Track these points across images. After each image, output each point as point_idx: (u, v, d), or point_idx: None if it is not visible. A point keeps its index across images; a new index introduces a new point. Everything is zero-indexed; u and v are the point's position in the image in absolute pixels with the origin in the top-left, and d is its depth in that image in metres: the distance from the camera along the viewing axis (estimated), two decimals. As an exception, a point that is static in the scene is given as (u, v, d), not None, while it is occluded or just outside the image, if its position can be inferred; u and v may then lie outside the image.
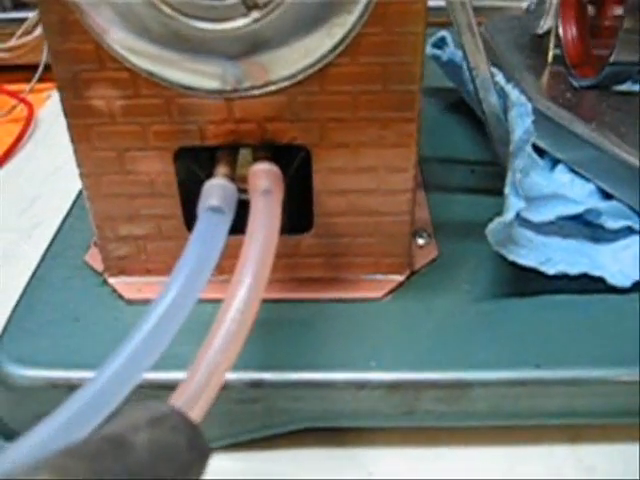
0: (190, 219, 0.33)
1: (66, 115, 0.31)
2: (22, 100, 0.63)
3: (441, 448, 0.32)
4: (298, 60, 0.29)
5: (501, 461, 0.32)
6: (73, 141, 0.32)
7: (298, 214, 0.33)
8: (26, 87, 0.66)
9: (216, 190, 0.28)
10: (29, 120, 0.60)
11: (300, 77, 0.29)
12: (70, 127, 0.31)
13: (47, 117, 0.63)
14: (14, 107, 0.65)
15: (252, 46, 0.28)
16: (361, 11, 0.27)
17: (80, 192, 0.43)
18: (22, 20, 0.68)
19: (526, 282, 0.35)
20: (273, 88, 0.29)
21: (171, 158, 0.32)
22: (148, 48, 0.28)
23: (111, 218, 0.34)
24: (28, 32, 0.68)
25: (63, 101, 0.31)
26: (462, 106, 0.50)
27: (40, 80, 0.67)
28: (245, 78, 0.29)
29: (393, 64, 0.29)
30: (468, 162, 0.45)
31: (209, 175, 0.31)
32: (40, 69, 0.66)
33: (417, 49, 0.29)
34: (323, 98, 0.30)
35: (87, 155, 0.32)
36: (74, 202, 0.43)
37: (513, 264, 0.34)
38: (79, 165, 0.32)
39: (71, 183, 0.46)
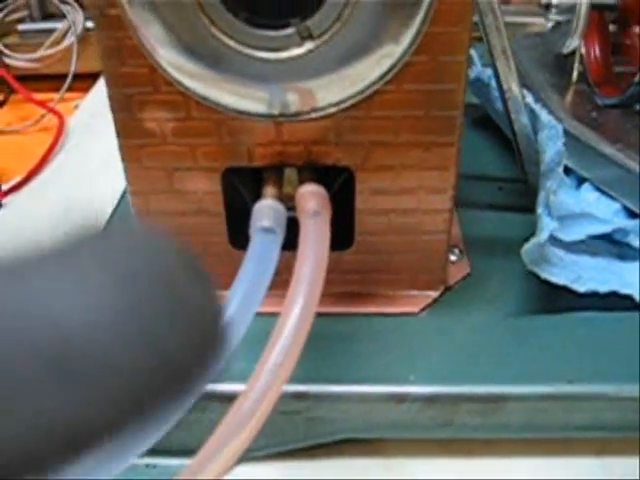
0: (234, 237, 0.34)
1: (118, 135, 0.32)
2: (51, 110, 0.65)
3: (476, 459, 0.33)
4: (346, 88, 0.30)
5: (532, 471, 0.33)
6: (124, 160, 0.33)
7: (339, 231, 0.34)
8: (55, 96, 0.68)
9: (267, 211, 0.29)
10: (60, 130, 0.62)
11: (347, 104, 0.30)
12: (121, 147, 0.32)
13: (76, 127, 0.64)
14: (43, 116, 0.66)
15: (302, 74, 0.29)
16: (409, 41, 0.28)
17: (117, 206, 0.45)
18: (51, 30, 0.70)
19: (557, 299, 0.36)
20: (320, 114, 0.31)
21: (219, 178, 0.33)
22: (201, 72, 0.30)
23: (158, 234, 0.35)
24: (57, 42, 0.69)
25: (116, 122, 0.32)
26: (488, 122, 0.51)
27: (68, 90, 0.69)
28: (292, 103, 0.30)
29: (437, 91, 0.30)
30: (495, 179, 0.46)
31: (254, 194, 0.32)
32: (69, 79, 0.67)
33: (460, 77, 0.30)
34: (368, 123, 0.31)
35: (137, 174, 0.33)
36: (113, 212, 0.44)
37: (543, 282, 0.35)
38: (129, 183, 0.33)
39: (105, 193, 0.47)
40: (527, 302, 0.36)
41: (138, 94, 0.31)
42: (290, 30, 0.28)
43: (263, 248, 0.28)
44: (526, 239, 0.34)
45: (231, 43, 0.28)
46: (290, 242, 0.30)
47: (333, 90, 0.30)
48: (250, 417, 0.24)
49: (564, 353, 0.34)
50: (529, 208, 0.37)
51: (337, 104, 0.30)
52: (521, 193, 0.42)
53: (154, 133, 0.32)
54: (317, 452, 0.34)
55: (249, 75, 0.29)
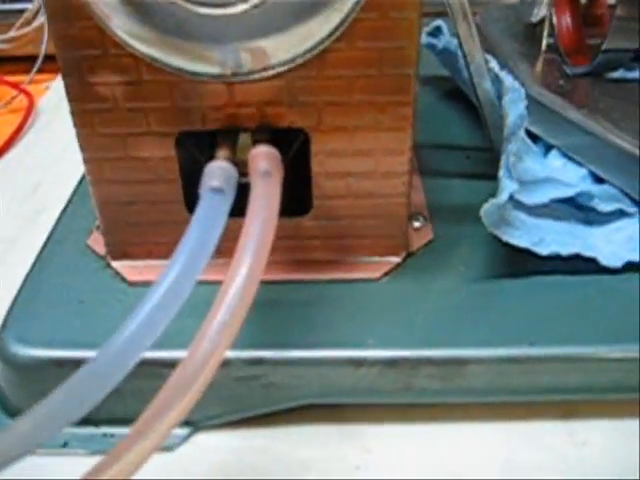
0: (191, 203, 0.34)
1: (70, 100, 0.32)
2: (22, 90, 0.64)
3: (437, 424, 0.33)
4: (296, 45, 0.29)
5: (496, 437, 0.33)
6: (76, 126, 0.32)
7: (297, 197, 0.34)
8: (26, 78, 0.67)
9: (217, 171, 0.29)
10: (29, 110, 0.61)
11: (298, 62, 0.30)
12: (73, 112, 0.32)
13: (47, 107, 0.64)
14: (14, 98, 0.65)
15: (251, 31, 0.29)
16: (358, -3, 0.28)
17: (82, 179, 0.44)
18: (21, 11, 0.69)
19: (520, 263, 0.36)
20: (272, 72, 0.30)
21: (173, 142, 0.32)
22: (151, 34, 0.29)
23: (113, 202, 0.34)
24: (27, 23, 0.69)
25: (67, 87, 0.31)
26: (457, 94, 0.50)
27: (39, 71, 0.68)
28: (244, 63, 0.30)
29: (389, 49, 0.30)
30: (463, 148, 0.45)
31: (209, 159, 0.31)
32: (39, 60, 0.67)
33: (412, 34, 0.30)
34: (321, 82, 0.31)
35: (90, 140, 0.32)
36: (76, 189, 0.43)
37: (507, 246, 0.35)
38: (82, 150, 0.33)
39: (72, 171, 0.47)
40: (490, 267, 0.36)
41: (88, 57, 0.30)
42: (235, -15, 0.27)
43: (211, 208, 0.28)
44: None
45: (178, 0, 0.27)
46: (243, 208, 0.29)
47: (283, 48, 0.29)
48: (192, 382, 0.24)
49: (526, 316, 0.33)
50: (495, 176, 0.37)
51: (288, 62, 0.30)
52: (488, 161, 0.42)
53: (106, 97, 0.31)
54: (276, 419, 0.33)
55: (197, 35, 0.29)
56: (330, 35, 0.29)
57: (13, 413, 0.34)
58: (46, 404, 0.24)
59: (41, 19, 0.68)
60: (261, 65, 0.30)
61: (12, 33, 0.69)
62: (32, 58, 0.69)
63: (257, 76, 0.30)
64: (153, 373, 0.31)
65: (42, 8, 0.68)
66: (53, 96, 0.66)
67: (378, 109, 0.31)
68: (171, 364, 0.31)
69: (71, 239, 0.39)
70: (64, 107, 0.59)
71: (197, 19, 0.28)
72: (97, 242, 0.38)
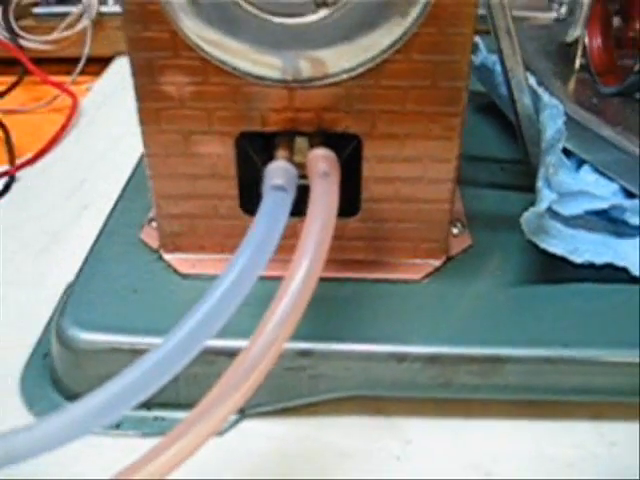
0: (245, 201, 0.36)
1: (137, 99, 0.33)
2: (66, 90, 0.66)
3: (474, 420, 0.35)
4: (357, 56, 0.31)
5: (528, 434, 0.34)
6: (142, 123, 0.34)
7: (346, 199, 0.35)
8: (68, 79, 0.69)
9: (279, 171, 0.31)
10: (73, 109, 0.63)
11: (358, 71, 0.32)
12: (140, 110, 0.34)
13: (89, 107, 0.66)
14: (56, 97, 0.67)
15: (316, 41, 0.30)
16: (418, 12, 0.30)
17: (131, 176, 0.46)
18: (65, 14, 0.71)
19: (554, 270, 0.37)
20: (332, 80, 0.32)
21: (232, 142, 0.34)
22: (220, 38, 0.31)
23: (171, 197, 0.36)
24: (71, 26, 0.71)
25: (136, 85, 0.33)
26: (492, 108, 0.52)
27: (81, 73, 0.70)
28: (306, 70, 0.32)
29: (443, 62, 0.32)
30: (498, 161, 0.47)
31: (265, 160, 0.33)
32: (82, 61, 0.69)
33: (466, 49, 0.32)
34: (377, 91, 0.32)
35: (154, 137, 0.34)
36: (126, 185, 0.45)
37: (541, 254, 0.37)
38: (146, 146, 0.35)
39: (115, 168, 0.49)
40: (526, 273, 0.37)
41: (158, 58, 0.32)
42: (306, -3, 0.29)
43: (274, 204, 0.30)
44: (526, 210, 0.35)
45: (250, 9, 0.29)
46: (300, 209, 0.31)
47: (344, 57, 0.31)
48: (251, 371, 0.25)
49: (560, 320, 0.35)
50: (530, 187, 0.39)
51: (348, 71, 0.31)
52: (522, 173, 0.44)
53: (172, 97, 0.33)
54: (321, 409, 0.35)
55: (265, 41, 0.31)
56: (390, 47, 0.31)
57: (67, 395, 0.36)
58: (111, 386, 0.26)
59: (84, 22, 0.70)
60: (321, 73, 0.32)
61: (56, 35, 0.71)
62: (74, 60, 0.71)
63: (317, 83, 0.32)
64: (207, 360, 0.33)
65: (86, 11, 0.70)
66: (95, 97, 0.68)
67: (429, 119, 0.33)
68: (224, 352, 0.33)
69: (124, 232, 0.41)
70: (106, 108, 0.62)
71: (266, 26, 0.30)
72: (149, 235, 0.39)
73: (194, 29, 0.31)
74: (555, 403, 0.35)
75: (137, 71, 0.33)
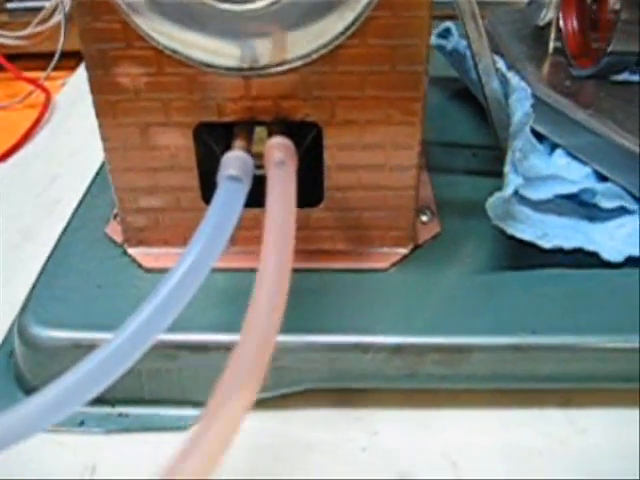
0: (206, 192, 0.35)
1: (92, 91, 0.33)
2: (39, 86, 0.65)
3: (441, 410, 0.34)
4: (311, 41, 0.31)
5: (498, 423, 0.34)
6: (98, 116, 0.34)
7: (310, 188, 0.35)
8: (42, 74, 0.68)
9: (234, 161, 0.30)
10: (46, 105, 0.63)
11: (313, 57, 0.31)
12: (96, 103, 0.33)
13: (63, 103, 0.65)
14: (30, 93, 0.67)
15: (268, 27, 0.30)
16: (371, -5, 0.29)
17: (99, 171, 0.45)
18: (39, 9, 0.70)
19: (524, 256, 0.37)
20: (287, 67, 0.31)
21: (191, 133, 0.34)
22: (172, 28, 0.30)
23: (132, 190, 0.36)
24: (44, 20, 0.70)
25: (90, 78, 0.33)
26: (465, 94, 0.52)
27: (55, 68, 0.69)
28: (261, 57, 0.31)
29: (400, 46, 0.31)
30: (470, 146, 0.47)
31: (225, 150, 0.33)
32: (56, 56, 0.68)
33: (423, 32, 0.31)
34: (334, 78, 0.32)
35: (112, 130, 0.34)
36: (93, 180, 0.45)
37: (511, 240, 0.36)
38: (104, 139, 0.34)
39: (88, 164, 0.48)
40: (495, 260, 0.37)
41: (111, 49, 0.32)
42: (254, -18, 0.29)
43: (228, 195, 0.29)
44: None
45: (198, -5, 0.29)
46: (259, 199, 0.30)
47: (298, 43, 0.30)
48: (250, 378, 0.25)
49: (529, 307, 0.34)
50: (502, 173, 0.38)
51: (303, 58, 0.31)
52: (495, 159, 0.43)
53: (127, 89, 0.33)
54: (286, 402, 0.34)
55: (216, 29, 0.30)
56: (344, 32, 0.30)
57: (30, 392, 0.35)
58: (62, 382, 0.25)
59: (58, 17, 0.69)
60: (277, 60, 0.31)
61: (29, 30, 0.70)
62: (48, 55, 0.70)
63: (273, 70, 0.31)
64: (169, 355, 0.33)
65: (59, 6, 0.69)
66: (69, 92, 0.67)
67: (389, 104, 0.33)
68: (186, 347, 0.33)
69: (89, 227, 0.40)
70: (80, 103, 0.61)
71: (217, 14, 0.29)
72: (114, 230, 0.39)
73: (144, 19, 0.30)
74: (524, 391, 0.35)
75: (90, 63, 0.32)
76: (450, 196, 0.42)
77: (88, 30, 0.31)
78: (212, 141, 0.35)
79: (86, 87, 0.61)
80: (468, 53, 0.47)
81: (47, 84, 0.67)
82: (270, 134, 0.33)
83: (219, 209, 0.29)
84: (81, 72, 0.67)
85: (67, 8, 0.69)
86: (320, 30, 0.30)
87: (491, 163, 0.44)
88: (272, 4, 0.29)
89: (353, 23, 0.30)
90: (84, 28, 0.31)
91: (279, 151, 0.30)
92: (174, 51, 0.31)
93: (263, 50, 0.31)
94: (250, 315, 0.25)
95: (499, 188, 0.36)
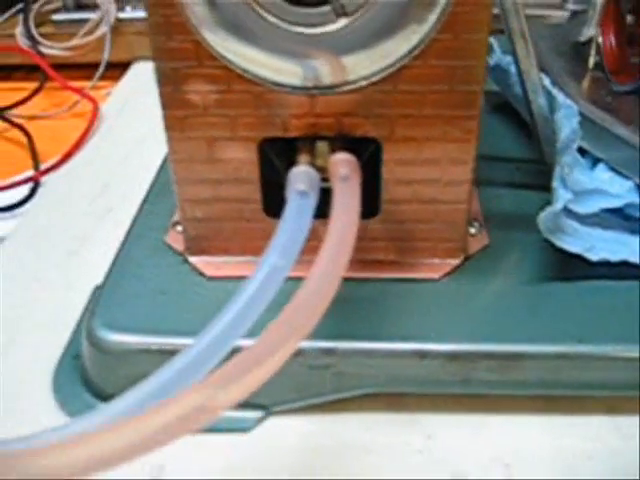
0: (268, 205, 0.37)
1: (163, 107, 0.34)
2: (86, 96, 0.67)
3: (493, 414, 0.36)
4: (376, 62, 0.32)
5: (546, 428, 0.35)
6: (167, 130, 0.35)
7: (367, 201, 0.36)
8: (87, 84, 0.70)
9: (302, 176, 0.32)
10: (94, 114, 0.64)
11: (376, 78, 0.33)
12: (166, 117, 0.35)
13: (109, 112, 0.67)
14: (76, 103, 0.69)
15: (336, 49, 0.31)
16: (435, 19, 0.31)
17: (155, 180, 0.47)
18: (84, 20, 0.72)
19: (571, 268, 0.38)
20: (351, 87, 0.33)
21: (255, 147, 0.35)
22: (242, 48, 0.32)
23: (196, 201, 0.37)
24: (90, 32, 0.72)
25: (161, 94, 0.34)
26: (506, 108, 0.53)
27: (100, 78, 0.71)
28: (326, 77, 0.33)
29: (459, 67, 0.33)
30: (513, 160, 0.48)
31: (287, 163, 0.34)
32: (102, 67, 0.70)
33: (481, 53, 0.32)
34: (395, 97, 0.33)
35: (179, 143, 0.35)
36: (150, 188, 0.46)
37: (558, 252, 0.38)
38: (171, 152, 0.36)
39: (137, 172, 0.50)
40: (543, 271, 0.38)
41: (183, 68, 0.33)
42: (326, 7, 0.30)
43: (298, 210, 0.31)
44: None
45: (271, 19, 0.30)
46: (322, 211, 0.32)
47: (363, 64, 0.32)
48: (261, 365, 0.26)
49: (576, 316, 0.36)
50: (545, 187, 0.40)
51: (367, 77, 0.32)
52: (538, 173, 0.44)
53: (197, 105, 0.34)
54: (344, 406, 0.36)
55: (286, 50, 0.32)
56: (408, 54, 0.32)
57: (99, 395, 0.37)
58: (143, 387, 0.27)
59: (104, 28, 0.71)
60: (341, 80, 0.33)
61: (75, 41, 0.72)
62: (92, 66, 0.72)
63: (337, 90, 0.33)
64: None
65: (105, 18, 0.71)
66: (115, 102, 0.69)
67: (446, 122, 0.34)
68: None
69: (149, 235, 0.42)
70: (126, 112, 0.63)
71: (289, 36, 0.31)
72: (174, 239, 0.41)
73: (216, 39, 0.32)
74: (572, 398, 0.36)
75: (162, 80, 0.34)
76: (496, 209, 0.43)
77: (161, 49, 0.33)
78: (275, 155, 0.36)
79: (131, 97, 0.63)
80: (511, 69, 0.49)
81: (92, 94, 0.69)
82: (332, 149, 0.34)
83: (291, 223, 0.30)
84: (125, 82, 0.70)
85: (112, 20, 0.71)
86: (385, 52, 0.31)
87: (534, 177, 0.45)
88: (344, 28, 0.30)
89: (418, 45, 0.31)
90: (158, 47, 0.33)
91: (344, 167, 0.32)
92: (243, 70, 0.33)
93: (328, 71, 0.32)
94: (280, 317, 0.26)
95: (544, 201, 0.37)
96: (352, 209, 0.31)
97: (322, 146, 0.35)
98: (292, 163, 0.34)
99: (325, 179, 0.33)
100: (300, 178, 0.32)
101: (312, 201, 0.31)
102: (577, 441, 0.35)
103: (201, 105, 0.34)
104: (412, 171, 0.35)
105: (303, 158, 0.34)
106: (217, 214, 0.38)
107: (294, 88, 0.33)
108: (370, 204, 0.36)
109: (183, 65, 0.33)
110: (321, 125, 0.34)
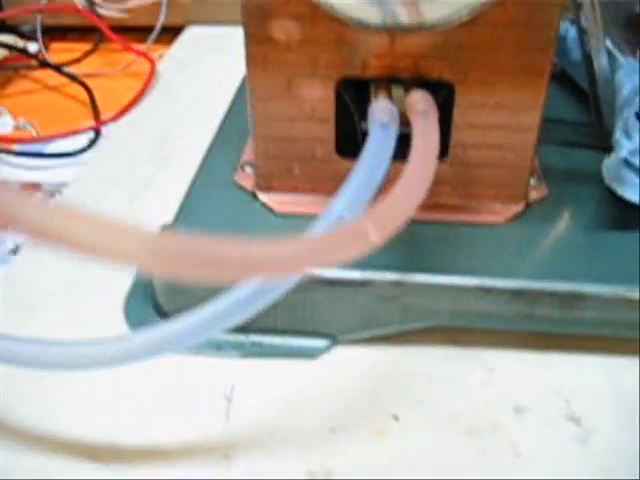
0: (340, 144, 0.38)
1: (247, 43, 0.36)
2: (144, 54, 0.69)
3: (553, 352, 0.37)
4: (457, 6, 0.33)
5: (604, 366, 0.37)
6: (249, 67, 0.37)
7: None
8: (141, 47, 0.72)
9: (384, 109, 0.33)
10: (152, 72, 0.66)
11: (457, 21, 0.34)
12: (249, 55, 0.36)
13: (165, 72, 0.69)
14: (131, 63, 0.70)
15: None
16: (519, -38, 0.32)
17: (220, 127, 0.49)
18: (140, -17, 0.74)
19: (627, 217, 0.39)
20: (431, 30, 0.34)
21: (333, 86, 0.37)
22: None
23: (271, 138, 0.39)
24: (145, -5, 0.74)
25: (246, 31, 0.36)
26: (561, 77, 0.54)
27: (155, 42, 0.73)
28: (405, 18, 0.34)
29: (536, 12, 0.34)
30: (568, 123, 0.49)
31: (362, 107, 0.36)
32: (157, 28, 0.72)
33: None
34: (472, 40, 0.35)
35: (259, 80, 0.37)
36: (216, 135, 0.48)
37: (614, 204, 0.39)
38: (251, 90, 0.37)
39: (194, 127, 0.52)
40: (600, 219, 0.40)
41: (269, 4, 0.35)
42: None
43: (380, 140, 0.32)
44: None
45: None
46: (397, 153, 0.33)
47: (445, 7, 0.33)
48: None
49: (635, 260, 0.37)
50: (600, 147, 0.41)
51: (447, 20, 0.34)
52: (593, 135, 0.46)
53: (280, 42, 0.36)
54: (408, 337, 0.37)
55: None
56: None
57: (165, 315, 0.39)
58: (206, 308, 0.29)
59: (160, -8, 0.73)
60: (420, 21, 0.34)
61: (132, 3, 0.74)
62: (144, 29, 0.74)
63: (416, 31, 0.34)
64: (304, 289, 0.35)
65: (160, -18, 0.73)
66: (169, 63, 0.71)
67: (519, 67, 0.35)
68: (321, 281, 0.36)
69: (217, 176, 0.43)
70: (181, 73, 0.65)
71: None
72: (243, 178, 0.42)
73: (306, -24, 0.33)
74: (630, 339, 0.37)
75: (248, 17, 0.35)
76: (553, 165, 0.44)
77: (250, -13, 0.34)
78: (348, 97, 0.38)
79: (186, 58, 0.65)
80: (569, 35, 0.50)
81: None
82: (407, 92, 0.36)
83: (373, 152, 0.32)
84: (179, 45, 0.71)
85: (168, -16, 0.73)
86: (467, -4, 0.33)
87: (589, 138, 0.46)
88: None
89: (499, -10, 0.33)
90: (246, -16, 0.34)
91: (423, 102, 0.33)
92: (329, 6, 0.34)
93: (409, 11, 0.33)
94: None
95: (598, 159, 0.39)
96: (432, 142, 0.32)
97: (398, 91, 0.36)
98: (365, 107, 0.35)
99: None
100: (382, 111, 0.33)
101: (393, 132, 0.33)
102: (635, 381, 0.36)
103: (284, 42, 0.36)
104: (483, 115, 0.37)
105: (382, 95, 0.35)
106: (290, 152, 0.39)
107: (376, 27, 0.34)
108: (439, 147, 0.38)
109: (270, 1, 0.34)
110: (398, 66, 0.36)
